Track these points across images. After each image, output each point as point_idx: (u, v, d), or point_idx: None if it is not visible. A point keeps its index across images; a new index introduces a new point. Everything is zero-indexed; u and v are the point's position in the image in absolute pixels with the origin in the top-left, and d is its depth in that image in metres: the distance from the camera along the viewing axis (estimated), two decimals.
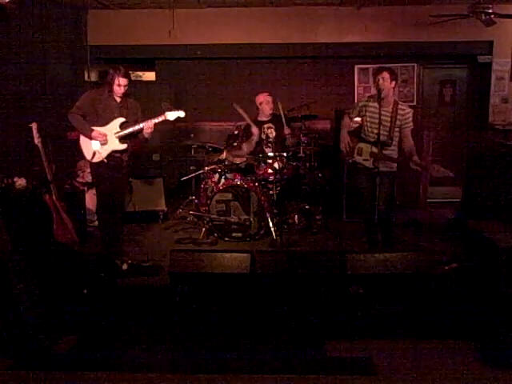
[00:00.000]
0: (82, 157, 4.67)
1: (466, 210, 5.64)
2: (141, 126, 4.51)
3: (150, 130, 4.53)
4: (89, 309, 3.67)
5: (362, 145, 4.52)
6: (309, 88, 7.31)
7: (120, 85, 4.46)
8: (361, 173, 4.57)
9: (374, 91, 4.57)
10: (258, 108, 5.92)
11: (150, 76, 8.82)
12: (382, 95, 4.27)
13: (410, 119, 4.42)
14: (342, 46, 7.03)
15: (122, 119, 4.53)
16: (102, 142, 4.48)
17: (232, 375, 2.91)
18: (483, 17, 5.69)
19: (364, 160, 4.47)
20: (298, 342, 3.29)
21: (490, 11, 5.65)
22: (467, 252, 4.71)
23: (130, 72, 9.05)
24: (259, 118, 5.94)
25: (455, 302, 3.63)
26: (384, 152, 4.34)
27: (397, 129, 4.40)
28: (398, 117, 4.38)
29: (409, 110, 4.45)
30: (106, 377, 2.93)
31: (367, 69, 7.39)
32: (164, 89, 6.99)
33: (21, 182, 4.61)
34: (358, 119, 4.71)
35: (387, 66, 4.73)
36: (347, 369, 3.00)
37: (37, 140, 4.44)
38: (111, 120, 4.52)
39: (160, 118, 4.54)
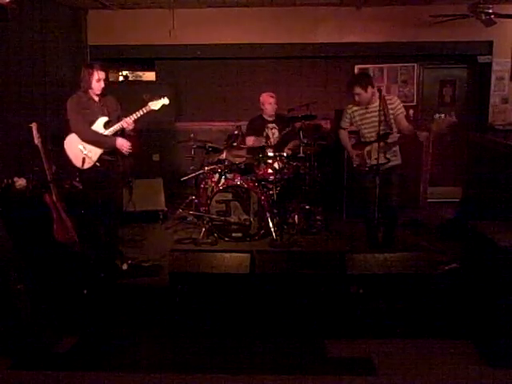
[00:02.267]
0: (72, 166, 4.49)
1: (466, 210, 5.63)
2: (125, 120, 4.39)
3: (134, 125, 4.42)
4: (89, 309, 3.68)
5: (368, 148, 4.57)
6: (309, 88, 7.30)
7: (99, 79, 4.34)
8: (367, 172, 4.55)
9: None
10: (261, 107, 5.92)
11: (150, 76, 8.83)
12: (364, 103, 4.53)
13: (400, 105, 4.55)
14: (341, 45, 7.02)
15: (105, 118, 4.43)
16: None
17: (232, 375, 2.92)
18: (483, 17, 5.68)
19: (375, 159, 4.44)
20: (298, 341, 3.29)
21: (490, 11, 5.64)
22: (467, 252, 4.70)
23: (130, 72, 9.13)
24: (263, 117, 5.95)
25: (455, 302, 3.63)
26: (388, 141, 4.43)
27: (391, 117, 4.49)
28: (389, 106, 4.47)
29: (395, 98, 4.64)
30: (105, 377, 2.93)
31: (367, 69, 7.38)
32: (164, 89, 6.95)
33: (21, 182, 4.61)
34: (352, 128, 4.80)
35: (355, 77, 5.04)
36: (347, 369, 3.00)
37: (37, 140, 4.42)
38: (94, 122, 4.41)
39: (144, 110, 4.42)
